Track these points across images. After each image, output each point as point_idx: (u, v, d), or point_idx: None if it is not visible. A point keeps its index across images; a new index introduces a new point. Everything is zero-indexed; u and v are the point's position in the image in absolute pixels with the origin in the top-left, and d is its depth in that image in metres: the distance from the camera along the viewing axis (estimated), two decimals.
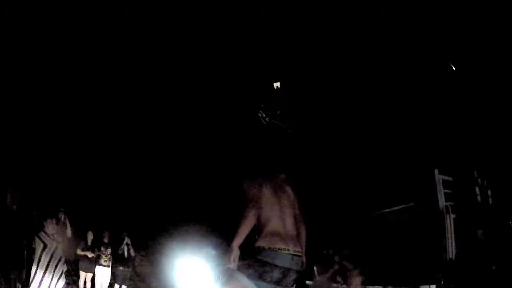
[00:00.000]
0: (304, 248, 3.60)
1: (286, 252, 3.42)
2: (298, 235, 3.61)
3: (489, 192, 7.93)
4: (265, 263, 3.36)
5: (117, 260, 9.90)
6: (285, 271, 3.42)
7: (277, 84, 7.68)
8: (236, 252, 3.35)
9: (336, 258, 7.75)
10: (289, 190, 3.75)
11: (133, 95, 12.07)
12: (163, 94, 11.90)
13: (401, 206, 9.53)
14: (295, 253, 3.47)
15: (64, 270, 7.78)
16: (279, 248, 3.40)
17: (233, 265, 3.39)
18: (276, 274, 3.37)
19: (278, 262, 3.38)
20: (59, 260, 7.67)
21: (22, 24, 9.63)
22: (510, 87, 7.91)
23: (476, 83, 8.38)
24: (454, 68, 8.60)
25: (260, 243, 3.41)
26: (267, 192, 3.57)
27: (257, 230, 3.53)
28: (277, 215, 3.53)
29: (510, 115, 7.71)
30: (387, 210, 9.83)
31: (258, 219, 3.52)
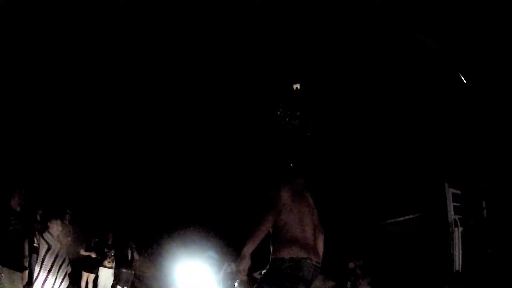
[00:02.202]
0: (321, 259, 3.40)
1: (309, 262, 3.19)
2: (316, 244, 3.39)
3: (496, 206, 7.92)
4: (289, 276, 3.13)
5: (121, 262, 9.88)
6: (308, 283, 3.22)
7: (296, 86, 7.60)
8: (247, 261, 3.18)
9: (351, 267, 7.72)
10: (308, 196, 3.52)
11: (141, 99, 12.06)
12: (172, 96, 11.86)
13: (409, 217, 9.55)
14: (316, 264, 3.25)
15: (68, 272, 7.75)
16: (302, 258, 3.16)
17: (244, 276, 3.24)
18: (296, 285, 3.15)
19: (303, 274, 3.15)
20: (63, 262, 7.66)
21: (22, 24, 9.63)
22: None
23: (487, 100, 8.36)
24: (465, 82, 8.58)
25: (281, 253, 3.16)
26: (286, 197, 3.34)
27: (274, 238, 3.30)
28: (296, 222, 3.30)
29: None
30: (395, 220, 9.84)
31: (276, 225, 3.28)
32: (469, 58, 8.70)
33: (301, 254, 3.16)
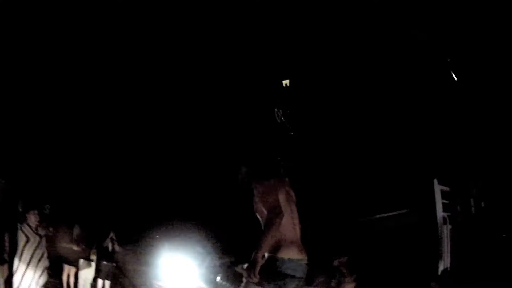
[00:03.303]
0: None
1: (303, 262, 3.35)
2: (302, 241, 3.49)
3: (483, 204, 7.95)
4: (286, 276, 3.24)
5: (102, 255, 9.65)
6: (300, 282, 3.33)
7: (286, 82, 7.49)
8: (260, 264, 3.18)
9: (336, 264, 7.63)
10: (293, 195, 3.59)
11: (123, 91, 11.88)
12: (158, 90, 11.72)
13: (395, 213, 9.53)
14: (307, 263, 3.39)
15: (47, 266, 7.53)
16: (298, 259, 3.31)
17: (257, 279, 3.20)
18: (293, 285, 3.27)
19: (298, 273, 3.28)
20: (42, 256, 7.44)
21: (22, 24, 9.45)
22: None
23: (478, 97, 8.37)
24: (456, 79, 8.56)
25: (279, 253, 3.26)
26: (282, 198, 3.38)
27: (271, 238, 3.31)
28: (290, 223, 3.38)
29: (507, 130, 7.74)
30: (381, 216, 9.82)
31: None
32: (461, 55, 8.70)
33: (297, 255, 3.31)
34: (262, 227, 3.34)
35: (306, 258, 3.38)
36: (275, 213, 3.20)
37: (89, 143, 12.22)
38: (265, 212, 3.27)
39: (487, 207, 7.60)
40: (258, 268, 3.15)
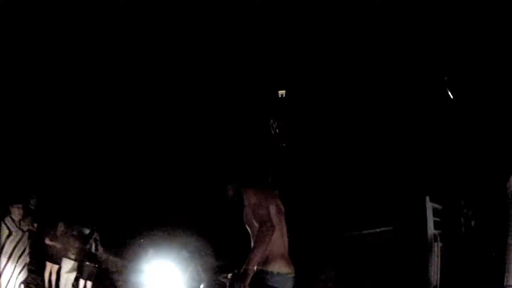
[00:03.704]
0: None
1: (291, 276, 3.33)
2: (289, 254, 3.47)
3: (473, 223, 7.96)
4: None
5: (84, 255, 9.43)
6: None
7: (282, 93, 7.50)
8: (250, 277, 3.13)
9: (323, 278, 7.56)
10: (282, 207, 3.57)
11: (113, 92, 11.85)
12: (151, 95, 11.71)
13: (385, 228, 9.50)
14: (294, 276, 3.37)
15: (27, 262, 7.35)
16: (286, 273, 3.29)
17: None
18: None
19: (286, 287, 3.29)
20: (23, 251, 7.27)
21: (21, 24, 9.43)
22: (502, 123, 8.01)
23: (473, 116, 8.44)
24: (451, 98, 8.63)
25: (269, 267, 3.24)
26: (272, 211, 3.37)
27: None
28: (279, 236, 3.36)
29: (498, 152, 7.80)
30: (370, 231, 9.78)
31: None
32: (456, 74, 8.77)
33: (286, 269, 3.29)
34: (253, 239, 3.32)
35: (293, 272, 3.36)
36: (267, 226, 3.16)
37: (83, 140, 12.10)
38: (256, 224, 3.24)
39: (477, 226, 7.61)
40: (248, 281, 3.11)
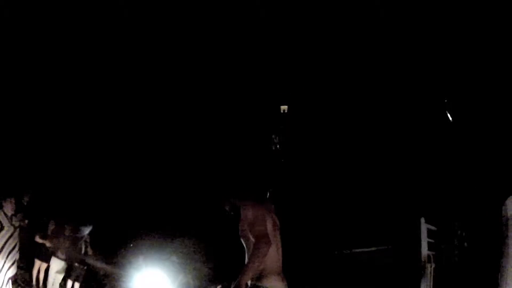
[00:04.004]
0: None
1: None
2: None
3: (466, 245, 7.97)
4: None
5: (74, 256, 9.32)
6: None
7: (284, 108, 7.55)
8: None
9: None
10: (278, 223, 3.55)
11: (109, 95, 11.87)
12: (148, 102, 11.74)
13: (379, 248, 9.48)
14: None
15: (17, 259, 7.24)
16: None
17: None
18: None
19: None
20: (14, 247, 7.15)
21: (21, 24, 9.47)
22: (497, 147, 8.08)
23: (470, 139, 8.50)
24: (451, 120, 8.69)
25: (263, 282, 3.21)
26: (269, 227, 3.35)
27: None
28: (274, 252, 3.32)
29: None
30: (363, 250, 9.76)
31: None
32: (455, 98, 8.86)
33: (279, 285, 3.27)
34: (247, 253, 3.31)
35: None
36: (264, 241, 3.14)
37: (78, 139, 12.06)
38: (252, 239, 3.22)
39: (470, 247, 7.62)
40: None
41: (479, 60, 8.29)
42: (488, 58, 8.17)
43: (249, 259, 3.13)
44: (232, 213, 3.55)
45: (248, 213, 3.31)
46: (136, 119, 12.34)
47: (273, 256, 3.27)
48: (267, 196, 3.81)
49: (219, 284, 9.75)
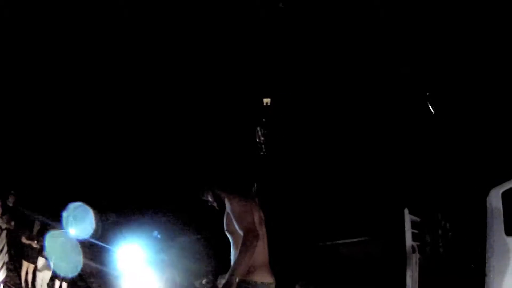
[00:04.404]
0: None
1: (273, 286, 3.24)
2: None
3: (450, 235, 8.17)
4: None
5: None
6: None
7: (267, 101, 7.58)
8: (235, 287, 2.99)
9: None
10: (262, 216, 3.48)
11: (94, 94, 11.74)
12: (135, 97, 11.63)
13: (361, 239, 9.64)
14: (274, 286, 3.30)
15: (6, 261, 7.17)
16: (269, 283, 3.21)
17: None
18: None
19: None
20: (2, 250, 7.10)
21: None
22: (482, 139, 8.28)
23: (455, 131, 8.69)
24: (433, 112, 8.86)
25: (252, 277, 3.13)
26: (256, 220, 3.26)
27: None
28: (262, 245, 3.24)
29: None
30: (346, 241, 9.91)
31: None
32: (438, 89, 9.04)
33: (269, 279, 3.21)
34: (234, 248, 3.24)
35: (275, 282, 3.26)
36: (253, 236, 3.06)
37: (58, 135, 11.88)
38: (240, 232, 3.13)
39: (454, 238, 7.81)
40: None
41: (461, 53, 8.46)
42: (470, 51, 8.35)
43: (239, 254, 3.02)
44: (215, 204, 3.47)
45: (235, 206, 3.22)
46: (121, 110, 12.20)
47: (260, 249, 3.17)
48: (253, 190, 3.75)
49: (203, 278, 9.81)
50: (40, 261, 8.79)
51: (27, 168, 11.18)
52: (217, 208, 3.47)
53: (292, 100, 10.40)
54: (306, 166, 10.49)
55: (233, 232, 3.24)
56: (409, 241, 7.62)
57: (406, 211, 7.91)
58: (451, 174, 8.19)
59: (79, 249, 9.15)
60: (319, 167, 10.30)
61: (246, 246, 3.01)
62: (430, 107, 8.85)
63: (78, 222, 8.96)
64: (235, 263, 3.03)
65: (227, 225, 3.30)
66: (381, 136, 9.78)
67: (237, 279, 2.98)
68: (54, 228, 9.23)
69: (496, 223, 5.75)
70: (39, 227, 9.22)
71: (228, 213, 3.28)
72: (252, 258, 3.06)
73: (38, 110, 11.45)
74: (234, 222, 3.19)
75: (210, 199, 3.50)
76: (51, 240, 8.86)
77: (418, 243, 7.67)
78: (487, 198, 6.23)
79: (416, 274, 7.34)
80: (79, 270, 10.48)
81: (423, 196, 8.36)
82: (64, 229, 8.94)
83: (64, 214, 9.05)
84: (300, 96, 10.44)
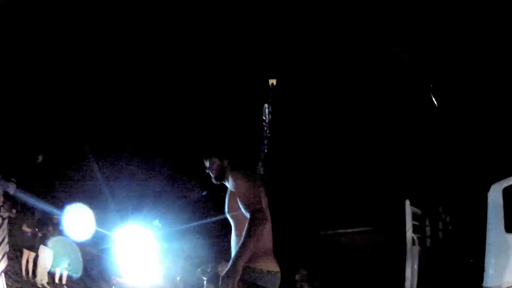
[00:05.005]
0: None
1: (279, 275, 2.89)
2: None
3: (450, 228, 8.17)
4: None
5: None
6: None
7: (273, 82, 7.47)
8: (239, 275, 2.66)
9: (298, 278, 7.60)
10: (267, 200, 3.05)
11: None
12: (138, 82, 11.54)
13: (361, 229, 9.67)
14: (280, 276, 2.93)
15: (7, 251, 7.14)
16: (276, 272, 2.86)
17: None
18: None
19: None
20: (3, 240, 7.03)
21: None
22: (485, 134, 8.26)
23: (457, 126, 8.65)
24: (436, 105, 8.80)
25: (258, 264, 2.79)
26: (264, 202, 2.89)
27: None
28: (268, 231, 2.90)
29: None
30: (346, 231, 9.94)
31: None
32: (442, 81, 8.98)
33: (275, 267, 2.89)
34: (236, 231, 2.92)
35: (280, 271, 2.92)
36: (262, 218, 2.70)
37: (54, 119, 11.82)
38: (245, 213, 2.78)
39: (454, 231, 7.82)
40: (237, 279, 2.64)
41: (463, 50, 8.38)
42: (470, 48, 8.27)
43: (244, 238, 2.68)
44: (214, 175, 3.06)
45: (241, 182, 2.86)
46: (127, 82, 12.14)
47: (266, 235, 2.83)
48: (258, 169, 3.48)
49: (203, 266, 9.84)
50: (42, 250, 8.81)
51: (29, 157, 11.16)
52: (215, 181, 3.10)
53: (297, 84, 10.31)
54: (310, 155, 10.46)
55: (236, 214, 2.91)
56: (409, 233, 7.64)
57: (407, 202, 7.92)
58: (454, 167, 8.17)
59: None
60: (323, 155, 10.28)
61: (253, 229, 2.68)
62: (434, 99, 8.78)
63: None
64: (239, 249, 2.68)
65: (229, 206, 2.98)
66: (388, 126, 9.72)
67: (242, 265, 2.66)
68: (54, 216, 9.26)
69: (496, 219, 5.73)
70: (39, 215, 9.22)
71: (230, 193, 2.98)
72: (259, 244, 2.75)
73: (37, 100, 11.39)
74: (239, 202, 2.84)
75: (213, 167, 3.08)
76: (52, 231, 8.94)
77: (419, 235, 7.71)
78: (488, 193, 6.20)
79: (416, 266, 7.38)
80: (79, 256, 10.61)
81: (425, 188, 8.35)
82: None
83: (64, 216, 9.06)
84: (305, 80, 10.36)
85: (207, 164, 3.10)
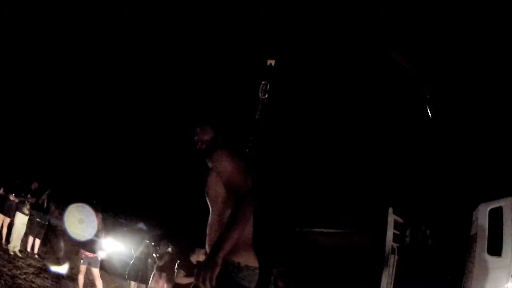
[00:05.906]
0: None
1: (258, 271, 2.61)
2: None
3: (430, 242, 8.23)
4: (240, 287, 2.50)
5: (36, 211, 9.09)
6: None
7: (271, 62, 7.33)
8: (219, 268, 2.37)
9: (274, 273, 7.56)
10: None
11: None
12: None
13: (340, 230, 9.68)
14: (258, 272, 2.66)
15: None
16: (254, 267, 2.57)
17: (212, 286, 2.35)
18: None
19: (253, 285, 2.57)
20: None
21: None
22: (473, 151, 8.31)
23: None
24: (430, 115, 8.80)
25: (235, 257, 2.50)
26: (249, 187, 2.58)
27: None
28: (250, 222, 2.57)
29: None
30: (324, 230, 9.93)
31: None
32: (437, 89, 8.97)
33: (254, 262, 2.59)
34: (214, 215, 2.62)
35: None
36: (248, 204, 2.44)
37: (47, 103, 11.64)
38: (228, 198, 2.54)
39: (434, 246, 7.86)
40: (217, 272, 2.35)
41: (459, 58, 8.38)
42: (467, 56, 8.27)
43: (228, 226, 2.41)
44: (204, 148, 2.76)
45: (230, 164, 2.58)
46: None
47: (249, 227, 2.55)
48: (248, 152, 3.28)
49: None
50: (18, 216, 8.62)
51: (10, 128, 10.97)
52: (202, 155, 2.77)
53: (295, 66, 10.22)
54: (299, 148, 10.41)
55: (216, 197, 2.62)
56: (389, 241, 7.68)
57: (390, 210, 7.94)
58: (442, 183, 8.19)
59: None
60: (313, 150, 10.24)
61: (238, 216, 2.41)
62: (428, 109, 8.77)
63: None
64: (221, 238, 2.41)
65: (210, 187, 2.66)
66: (376, 134, 9.71)
67: (222, 258, 2.39)
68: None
69: (480, 240, 5.76)
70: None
71: (213, 174, 2.66)
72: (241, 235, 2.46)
73: (36, 108, 11.26)
74: (225, 184, 2.57)
75: (204, 139, 2.77)
76: None
77: (398, 245, 7.74)
78: (474, 213, 6.23)
79: (392, 275, 7.42)
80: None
81: (410, 198, 8.37)
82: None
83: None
84: (304, 80, 10.29)
85: (199, 134, 2.81)
